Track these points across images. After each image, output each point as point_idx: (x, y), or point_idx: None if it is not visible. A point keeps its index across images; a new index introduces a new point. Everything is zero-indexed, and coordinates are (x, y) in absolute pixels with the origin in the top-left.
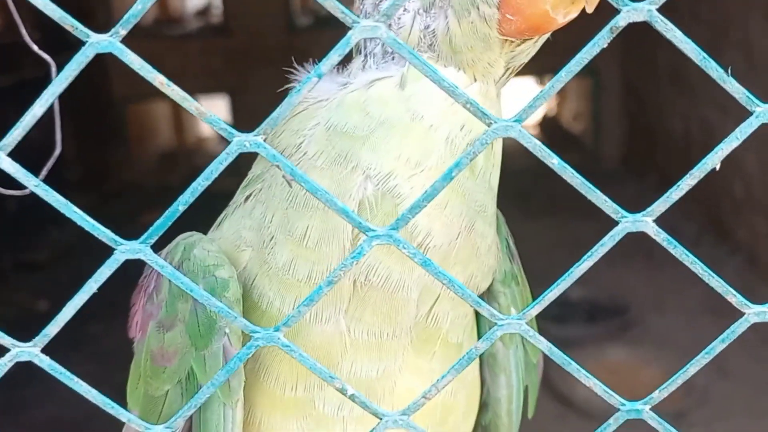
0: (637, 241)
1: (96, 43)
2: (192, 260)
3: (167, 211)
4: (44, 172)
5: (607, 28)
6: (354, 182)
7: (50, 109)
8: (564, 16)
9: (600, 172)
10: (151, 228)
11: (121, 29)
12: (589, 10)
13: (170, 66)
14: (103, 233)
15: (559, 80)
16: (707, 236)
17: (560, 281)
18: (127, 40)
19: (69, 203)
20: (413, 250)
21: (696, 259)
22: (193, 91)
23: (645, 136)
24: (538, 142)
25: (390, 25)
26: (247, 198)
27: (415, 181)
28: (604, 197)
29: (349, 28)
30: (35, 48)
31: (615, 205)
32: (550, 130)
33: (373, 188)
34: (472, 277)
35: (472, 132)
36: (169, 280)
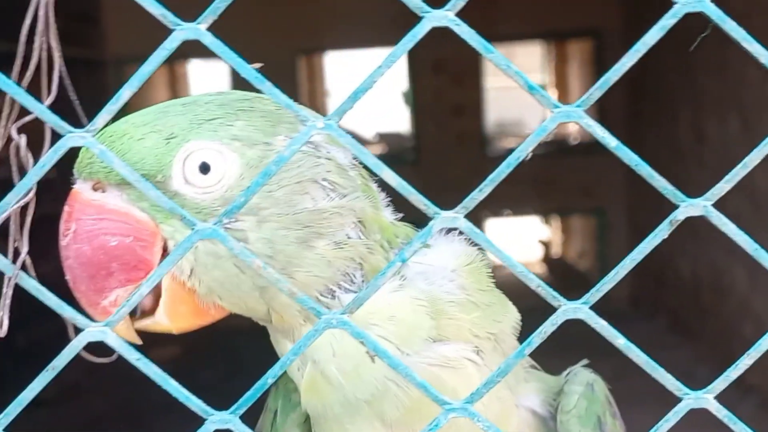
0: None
1: (201, 230)
2: (280, 385)
3: (257, 384)
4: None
5: (667, 221)
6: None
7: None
8: None
9: (607, 312)
10: (240, 399)
11: (225, 218)
12: None
13: None
14: (195, 404)
15: (614, 278)
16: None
17: None
18: None
19: (166, 376)
20: (487, 424)
21: None
22: None
23: (653, 277)
24: (605, 323)
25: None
26: None
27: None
28: (669, 375)
29: (430, 218)
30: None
31: (678, 383)
32: (556, 268)
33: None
34: None
35: None
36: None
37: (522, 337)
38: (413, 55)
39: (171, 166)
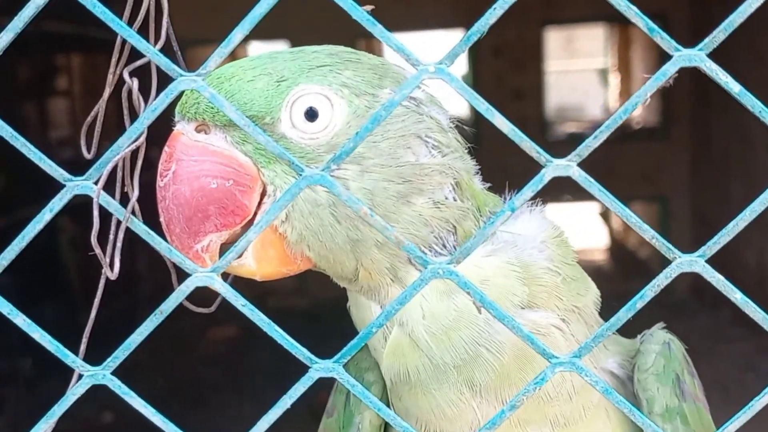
0: None
1: (309, 176)
2: (351, 365)
3: (361, 333)
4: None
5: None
6: None
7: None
8: None
9: (670, 303)
10: (344, 349)
11: (333, 165)
12: None
13: None
14: (299, 351)
15: (733, 230)
16: None
17: None
18: None
19: (272, 323)
20: (595, 378)
21: None
22: None
23: (717, 267)
24: (721, 277)
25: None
26: None
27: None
28: None
29: (543, 166)
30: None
31: None
32: (618, 255)
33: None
34: None
35: None
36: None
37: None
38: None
39: (280, 108)
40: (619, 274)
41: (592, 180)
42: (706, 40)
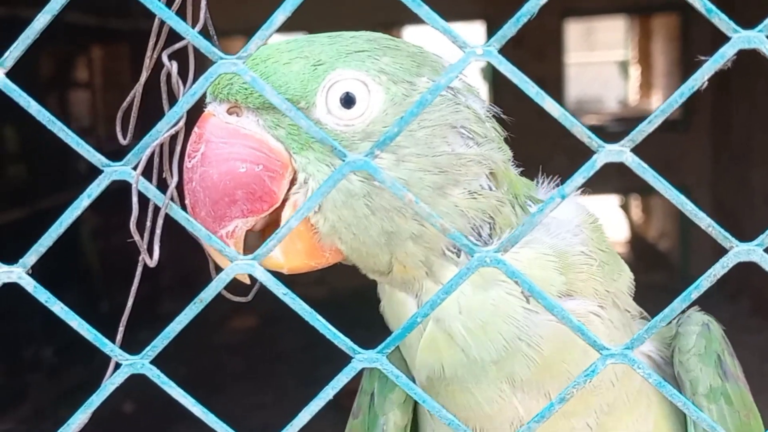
0: None
1: (352, 161)
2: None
3: (405, 324)
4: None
5: None
6: None
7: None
8: None
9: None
10: (388, 339)
11: (377, 150)
12: None
13: None
14: (342, 341)
15: None
16: None
17: None
18: None
19: (314, 312)
20: (648, 371)
21: None
22: None
23: None
24: None
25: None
26: None
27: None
28: None
29: (594, 152)
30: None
31: None
32: (637, 248)
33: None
34: None
35: None
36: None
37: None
38: (493, 28)
39: (316, 93)
40: (639, 266)
41: (646, 166)
42: (766, 21)
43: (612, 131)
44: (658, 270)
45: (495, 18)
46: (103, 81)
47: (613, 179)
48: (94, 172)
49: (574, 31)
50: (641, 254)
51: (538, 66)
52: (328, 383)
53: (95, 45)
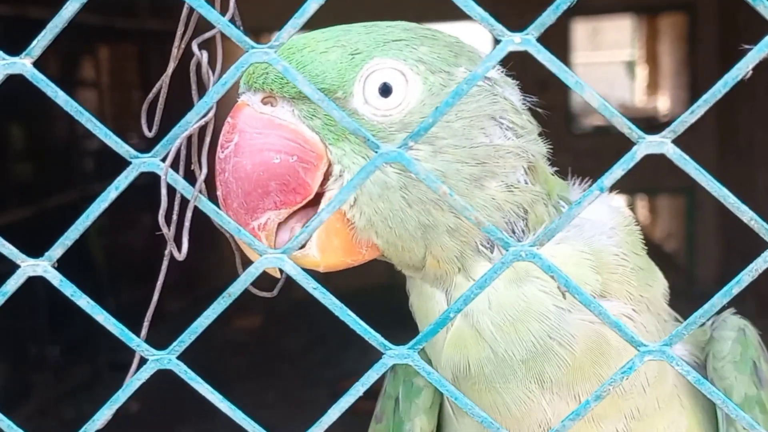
0: None
1: (385, 153)
2: (399, 370)
3: (437, 320)
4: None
5: None
6: None
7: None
8: None
9: (694, 294)
10: (419, 336)
11: (412, 141)
12: None
13: None
14: (373, 337)
15: None
16: None
17: None
18: None
19: (345, 307)
20: (686, 368)
21: None
22: None
23: (742, 257)
24: None
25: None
26: None
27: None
28: None
29: (634, 143)
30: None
31: None
32: None
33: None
34: None
35: None
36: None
37: None
38: (502, 24)
39: (353, 82)
40: None
41: (687, 158)
42: None
43: (618, 131)
44: (664, 271)
45: (504, 15)
46: (109, 80)
47: (620, 179)
48: (122, 164)
49: (581, 30)
50: (647, 255)
51: (543, 65)
52: (359, 380)
53: (102, 44)
